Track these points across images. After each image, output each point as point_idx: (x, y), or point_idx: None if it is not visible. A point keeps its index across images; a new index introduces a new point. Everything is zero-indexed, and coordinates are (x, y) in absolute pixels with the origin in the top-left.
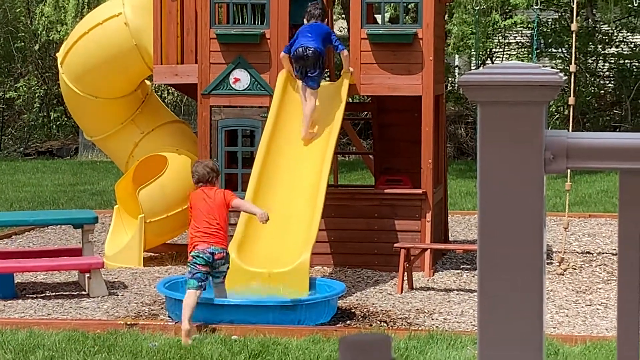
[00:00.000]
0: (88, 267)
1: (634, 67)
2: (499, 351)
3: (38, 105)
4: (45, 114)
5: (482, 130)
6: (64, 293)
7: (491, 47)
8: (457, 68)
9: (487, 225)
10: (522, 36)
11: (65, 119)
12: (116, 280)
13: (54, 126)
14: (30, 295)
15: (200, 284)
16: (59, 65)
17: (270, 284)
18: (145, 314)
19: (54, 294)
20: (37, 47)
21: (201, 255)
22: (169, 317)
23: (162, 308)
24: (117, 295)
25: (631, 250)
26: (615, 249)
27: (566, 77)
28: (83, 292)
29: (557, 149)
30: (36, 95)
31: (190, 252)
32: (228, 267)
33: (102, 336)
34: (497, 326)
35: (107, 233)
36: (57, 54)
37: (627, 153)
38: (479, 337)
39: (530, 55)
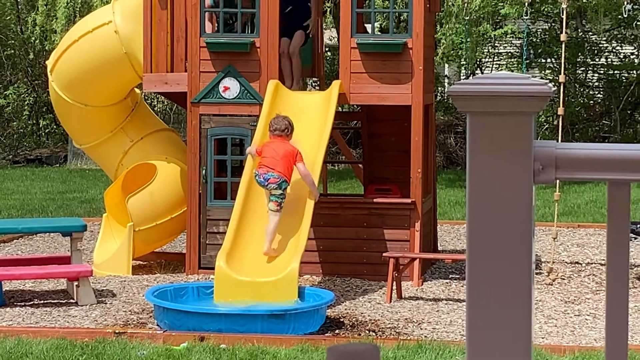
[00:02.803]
0: (76, 275)
1: (623, 78)
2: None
3: (27, 113)
4: (34, 121)
5: (471, 140)
6: (52, 301)
7: (481, 57)
8: (446, 78)
9: (476, 235)
10: (511, 46)
11: (55, 126)
12: (105, 288)
13: (43, 134)
14: (19, 303)
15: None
16: (49, 73)
17: (259, 293)
18: (134, 322)
19: (42, 302)
20: (31, 56)
21: (257, 178)
22: (157, 325)
23: (150, 316)
24: (106, 303)
25: (620, 260)
26: (604, 259)
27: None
28: (71, 300)
29: (546, 159)
30: (25, 102)
31: None
32: (283, 195)
33: (90, 344)
34: (486, 336)
35: (96, 241)
36: (47, 62)
37: (616, 164)
38: (468, 347)
39: (519, 66)
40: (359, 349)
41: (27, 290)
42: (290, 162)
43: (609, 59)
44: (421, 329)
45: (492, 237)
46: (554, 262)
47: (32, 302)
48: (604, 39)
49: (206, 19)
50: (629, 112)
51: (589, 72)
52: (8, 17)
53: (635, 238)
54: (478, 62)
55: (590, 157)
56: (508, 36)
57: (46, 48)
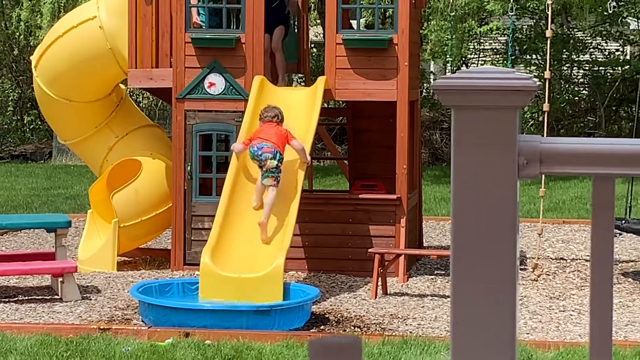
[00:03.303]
0: (61, 271)
1: (608, 74)
2: (472, 356)
3: (12, 109)
4: (19, 117)
5: (455, 135)
6: (37, 297)
7: (466, 53)
8: (432, 74)
9: (460, 230)
10: (497, 43)
11: (40, 122)
12: (89, 284)
13: (28, 130)
14: (3, 300)
15: (263, 179)
16: (33, 69)
17: (244, 289)
18: (119, 318)
19: (26, 298)
20: (16, 52)
21: (250, 149)
22: (142, 321)
23: (135, 312)
24: (90, 299)
25: (604, 256)
26: (588, 255)
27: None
28: (56, 297)
29: (530, 154)
30: (10, 98)
31: None
32: (278, 169)
33: (74, 340)
34: (470, 332)
35: (81, 237)
36: (31, 58)
37: (600, 158)
38: (452, 342)
39: (505, 62)
40: (341, 342)
41: (11, 286)
42: (282, 139)
43: (594, 56)
44: (406, 324)
45: (477, 233)
46: (539, 258)
47: (16, 298)
48: (589, 35)
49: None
50: (614, 108)
51: (574, 68)
52: None
53: (621, 234)
54: (464, 59)
55: (575, 151)
56: (493, 32)
57: (31, 44)
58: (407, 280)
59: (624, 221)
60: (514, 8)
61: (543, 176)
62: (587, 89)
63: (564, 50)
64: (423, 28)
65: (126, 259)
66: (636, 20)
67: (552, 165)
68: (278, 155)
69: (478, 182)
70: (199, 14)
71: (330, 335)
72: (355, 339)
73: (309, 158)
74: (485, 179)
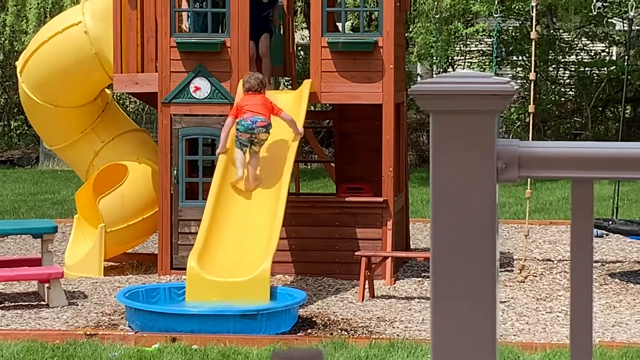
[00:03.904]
0: (47, 277)
1: (594, 75)
2: (452, 357)
3: None
4: (5, 122)
5: (434, 139)
6: (23, 303)
7: (452, 55)
8: (419, 76)
9: (439, 233)
10: (483, 44)
11: (26, 128)
12: (76, 290)
13: (15, 135)
14: None
15: (243, 148)
16: (18, 74)
17: (231, 293)
18: (105, 323)
19: (13, 304)
20: (1, 57)
21: (242, 123)
22: (129, 327)
23: (122, 318)
24: (77, 305)
25: (583, 259)
26: None
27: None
28: (42, 302)
29: (509, 158)
30: None
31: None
32: (267, 138)
33: (61, 347)
34: (451, 335)
35: (67, 242)
36: (16, 63)
37: (579, 162)
38: (433, 345)
39: (491, 63)
40: (303, 354)
41: None
42: (268, 109)
43: (579, 56)
44: (393, 327)
45: (456, 236)
46: (525, 260)
47: (2, 305)
48: (575, 36)
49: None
50: (600, 109)
51: (560, 69)
52: None
53: (607, 234)
54: (450, 60)
55: (553, 155)
56: (479, 34)
57: (16, 49)
58: (394, 282)
59: (610, 222)
60: (499, 9)
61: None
62: (573, 89)
63: (550, 52)
64: (409, 30)
65: (113, 264)
66: (621, 20)
67: (531, 169)
68: (269, 127)
69: (457, 186)
70: (188, 18)
71: (318, 340)
72: (317, 351)
73: (301, 129)
74: (464, 183)
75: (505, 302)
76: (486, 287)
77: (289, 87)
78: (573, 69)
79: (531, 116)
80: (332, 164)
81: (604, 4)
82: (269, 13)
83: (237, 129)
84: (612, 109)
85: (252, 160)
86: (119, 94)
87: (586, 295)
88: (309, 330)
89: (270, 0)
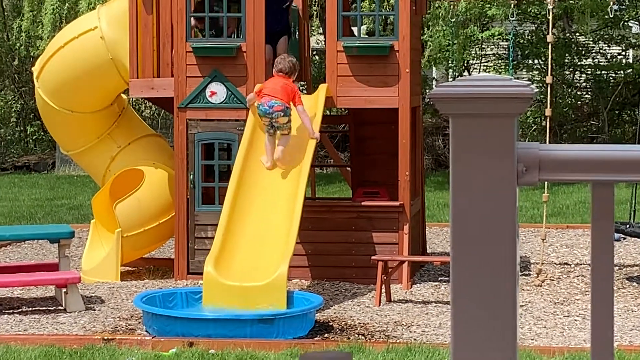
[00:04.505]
0: (65, 282)
1: (611, 78)
2: None
3: (15, 120)
4: (22, 128)
5: (454, 143)
6: (41, 308)
7: (468, 59)
8: (434, 80)
9: (460, 237)
10: (499, 48)
11: (42, 133)
12: (93, 295)
13: (31, 141)
14: (7, 311)
15: (269, 133)
16: (35, 80)
17: (248, 297)
18: (123, 328)
19: (30, 309)
20: (15, 62)
21: (260, 107)
22: (146, 331)
23: (139, 322)
24: (94, 310)
25: (604, 262)
26: None
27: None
28: (60, 307)
29: (529, 161)
30: (13, 109)
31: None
32: (289, 123)
33: (79, 351)
34: (471, 337)
35: (84, 248)
36: (33, 68)
37: (599, 165)
38: (452, 348)
39: (507, 67)
40: (332, 357)
41: (15, 297)
42: (289, 96)
43: (596, 60)
44: (410, 331)
45: (476, 240)
46: (542, 264)
47: (20, 310)
48: (591, 39)
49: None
50: (616, 112)
51: (577, 72)
52: None
53: (625, 238)
54: (465, 64)
55: (574, 158)
56: (495, 38)
57: (32, 54)
58: (411, 287)
59: (628, 225)
60: (515, 13)
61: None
62: (589, 93)
63: (566, 55)
64: (424, 34)
65: (130, 268)
66: (638, 23)
67: (551, 172)
68: (287, 111)
69: (477, 189)
70: (198, 19)
71: (335, 344)
72: (345, 354)
73: (317, 134)
74: (484, 187)
75: (522, 306)
76: (507, 290)
77: (305, 91)
78: (589, 72)
79: (548, 120)
80: (348, 168)
81: (621, 7)
82: (286, 12)
83: (258, 114)
84: (628, 112)
85: (282, 140)
86: (134, 99)
87: (607, 299)
88: (326, 335)
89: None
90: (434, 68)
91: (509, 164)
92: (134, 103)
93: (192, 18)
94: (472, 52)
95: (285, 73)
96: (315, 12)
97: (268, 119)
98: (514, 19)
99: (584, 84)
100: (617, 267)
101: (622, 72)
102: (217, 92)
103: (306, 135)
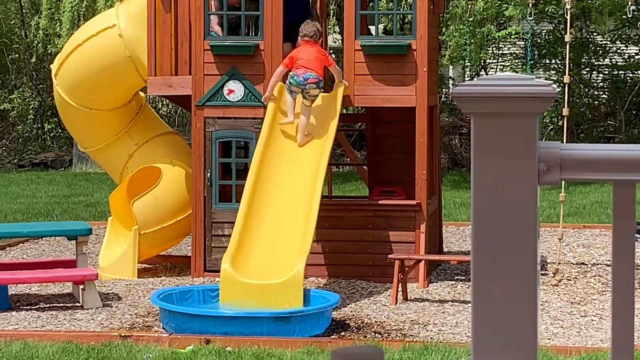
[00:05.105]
0: (82, 279)
1: (628, 78)
2: None
3: (32, 117)
4: (39, 125)
5: (475, 142)
6: (58, 305)
7: (485, 58)
8: (451, 79)
9: (480, 236)
10: (516, 47)
11: (60, 130)
12: (110, 291)
13: (48, 138)
14: (24, 307)
15: (293, 95)
16: (53, 77)
17: (265, 295)
18: (140, 325)
19: (47, 305)
20: (33, 60)
21: (295, 78)
22: (163, 328)
23: (156, 320)
24: (111, 306)
25: (625, 262)
26: (609, 260)
27: (560, 89)
28: (77, 304)
29: (550, 160)
30: (30, 106)
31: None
32: (319, 92)
33: (96, 348)
34: (491, 337)
35: (102, 244)
36: (51, 66)
37: (620, 164)
38: (473, 347)
39: (524, 67)
40: (363, 352)
41: (32, 294)
42: (322, 63)
43: (613, 60)
44: (427, 330)
45: (497, 239)
46: (559, 263)
47: (37, 306)
48: (609, 39)
49: (215, 23)
50: (634, 112)
51: (594, 72)
52: (12, 22)
53: None
54: (482, 63)
55: (595, 157)
56: (512, 37)
57: (50, 52)
58: (428, 285)
59: None
60: (532, 13)
61: (563, 181)
62: (606, 93)
63: (584, 55)
64: (442, 33)
65: (146, 266)
66: None
67: (572, 171)
68: (320, 83)
69: (498, 188)
70: (218, 23)
71: (351, 342)
72: (377, 350)
73: (345, 81)
74: (506, 186)
75: (539, 305)
76: (527, 290)
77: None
78: (607, 72)
79: (565, 119)
80: (365, 167)
81: (639, 7)
82: (307, 5)
83: (289, 82)
84: None
85: (304, 112)
86: (151, 97)
87: (628, 298)
88: (343, 333)
89: None
90: (450, 67)
91: (530, 163)
92: (150, 101)
93: (216, 25)
94: (489, 52)
95: (310, 37)
96: (332, 11)
97: (300, 89)
98: (531, 18)
99: (601, 84)
100: (635, 267)
101: (639, 72)
102: (235, 90)
103: (322, 134)
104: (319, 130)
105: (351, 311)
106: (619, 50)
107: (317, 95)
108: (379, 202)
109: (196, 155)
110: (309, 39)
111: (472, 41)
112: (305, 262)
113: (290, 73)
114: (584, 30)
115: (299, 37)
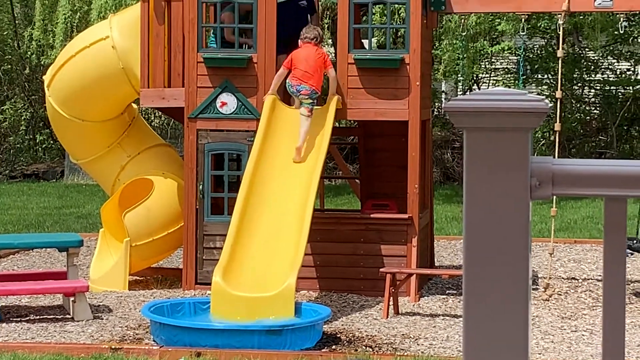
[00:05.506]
0: (73, 291)
1: (620, 94)
2: None
3: (24, 128)
4: (31, 136)
5: (468, 156)
6: (49, 317)
7: (478, 72)
8: (443, 93)
9: (472, 251)
10: (508, 62)
11: (52, 141)
12: (101, 303)
13: (40, 149)
14: (15, 319)
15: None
16: (46, 88)
17: (256, 308)
18: (130, 338)
19: (38, 317)
20: (27, 71)
21: (289, 87)
22: (153, 341)
23: (147, 332)
24: (102, 319)
25: (616, 277)
26: (600, 275)
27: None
28: (67, 316)
29: (542, 175)
30: (22, 118)
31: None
32: (313, 104)
33: None
34: (482, 351)
35: (93, 256)
36: (44, 77)
37: (612, 180)
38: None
39: (516, 81)
40: None
41: (23, 305)
42: (321, 67)
43: (605, 75)
44: (418, 344)
45: (489, 253)
46: (550, 278)
47: (28, 318)
48: (601, 55)
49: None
50: (625, 127)
51: (586, 88)
52: (5, 32)
53: (632, 254)
54: (475, 78)
55: (587, 173)
56: (505, 52)
57: (42, 63)
58: (419, 299)
59: (635, 241)
60: (525, 28)
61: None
62: (598, 108)
63: (576, 70)
64: (435, 48)
65: (138, 278)
66: None
67: (565, 186)
68: (314, 95)
69: (490, 203)
70: (232, 33)
71: (342, 355)
72: None
73: (338, 95)
74: (498, 200)
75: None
76: (519, 304)
77: (315, 102)
78: (598, 88)
79: (557, 134)
80: (357, 180)
81: (631, 22)
82: (304, 17)
83: (286, 86)
84: (637, 127)
85: (302, 126)
86: (144, 109)
87: (619, 313)
88: (334, 347)
89: (308, 6)
90: (443, 81)
91: (522, 178)
92: (143, 112)
93: (230, 35)
94: (482, 66)
95: (311, 39)
96: (326, 25)
97: (294, 95)
98: (523, 33)
99: (592, 99)
100: (626, 283)
101: (631, 87)
102: (228, 102)
103: (314, 149)
104: (311, 143)
105: (342, 325)
106: (610, 66)
107: (313, 103)
108: (371, 215)
109: (188, 168)
110: (309, 41)
111: (464, 56)
112: (296, 275)
113: (288, 80)
114: (576, 46)
115: (299, 41)
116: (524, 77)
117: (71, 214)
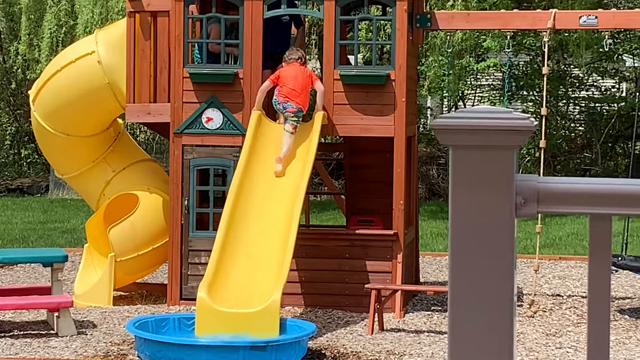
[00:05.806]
0: (57, 306)
1: (604, 111)
2: None
3: (9, 143)
4: (16, 151)
5: (453, 174)
6: (32, 332)
7: (463, 89)
8: (429, 109)
9: (457, 267)
10: (494, 79)
11: (36, 156)
12: (85, 319)
13: (25, 163)
14: None
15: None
16: (31, 103)
17: (241, 324)
18: (114, 353)
19: (22, 332)
20: (12, 86)
21: (275, 104)
22: (138, 357)
23: (131, 348)
24: (86, 334)
25: (601, 294)
26: (585, 292)
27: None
28: (52, 331)
29: (528, 193)
30: (7, 132)
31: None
32: (298, 121)
33: None
34: None
35: (77, 272)
36: (29, 92)
37: (597, 198)
38: None
39: (501, 98)
40: None
41: (6, 321)
42: (307, 84)
43: (590, 92)
44: None
45: (474, 270)
46: (535, 295)
47: (11, 333)
48: (586, 72)
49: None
50: (610, 144)
51: (571, 104)
52: None
53: (617, 271)
54: (460, 95)
55: (572, 191)
56: (490, 69)
57: (28, 77)
58: (404, 316)
59: (620, 258)
60: (510, 45)
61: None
62: (583, 125)
63: (561, 87)
64: (421, 64)
65: (122, 293)
66: (632, 57)
67: (550, 204)
68: (300, 113)
69: (476, 220)
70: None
71: None
72: None
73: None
74: (483, 218)
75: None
76: (504, 321)
77: (300, 120)
78: (583, 105)
79: (542, 151)
80: (342, 196)
81: (615, 40)
82: (288, 33)
83: (273, 102)
84: (621, 144)
85: (285, 141)
86: (129, 123)
87: (603, 330)
88: None
89: (291, 21)
90: (428, 97)
91: (508, 196)
92: (128, 128)
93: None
94: (467, 83)
95: (296, 60)
96: (313, 40)
97: (280, 112)
98: (509, 50)
99: (577, 116)
100: (611, 300)
101: (615, 105)
102: (214, 118)
103: (299, 164)
104: (297, 159)
105: (327, 341)
106: (595, 83)
107: (298, 121)
108: (356, 231)
109: (174, 183)
110: (294, 61)
111: (450, 72)
112: (282, 291)
113: (274, 96)
114: (561, 63)
115: (283, 63)
116: (510, 93)
117: (56, 228)
